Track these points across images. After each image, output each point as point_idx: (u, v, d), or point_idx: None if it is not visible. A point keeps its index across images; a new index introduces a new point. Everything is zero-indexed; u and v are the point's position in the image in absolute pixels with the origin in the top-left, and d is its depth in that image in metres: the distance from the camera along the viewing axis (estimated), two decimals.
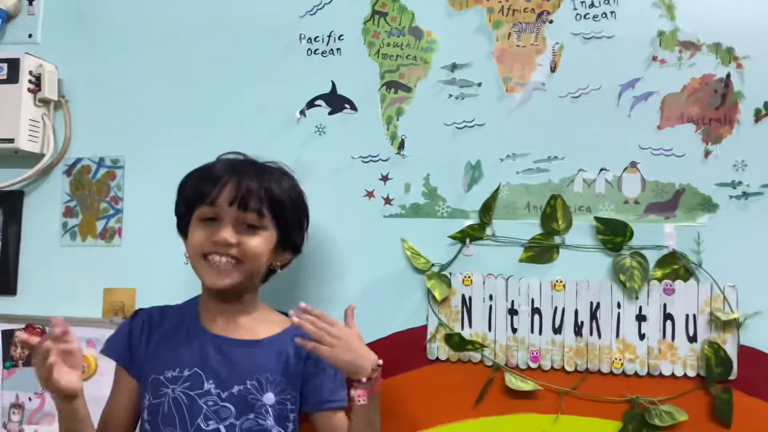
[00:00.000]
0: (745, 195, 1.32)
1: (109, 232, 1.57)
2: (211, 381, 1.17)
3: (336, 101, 1.50)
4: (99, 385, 1.48)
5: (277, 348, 1.22)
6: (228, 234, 1.17)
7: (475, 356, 1.37)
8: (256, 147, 1.49)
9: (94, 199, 1.59)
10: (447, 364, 1.39)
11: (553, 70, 1.41)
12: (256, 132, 1.51)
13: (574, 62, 1.40)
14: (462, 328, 1.38)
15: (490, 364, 1.37)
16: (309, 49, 1.52)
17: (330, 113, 1.50)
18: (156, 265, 1.52)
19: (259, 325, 1.25)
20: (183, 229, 1.27)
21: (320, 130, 1.49)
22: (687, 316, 1.30)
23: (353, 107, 1.49)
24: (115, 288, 1.55)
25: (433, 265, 1.41)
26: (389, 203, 1.45)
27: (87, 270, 1.57)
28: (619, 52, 1.39)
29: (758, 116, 1.33)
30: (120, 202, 1.58)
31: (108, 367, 1.52)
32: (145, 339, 1.24)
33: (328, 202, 1.45)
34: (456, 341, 1.37)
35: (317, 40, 1.52)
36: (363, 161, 1.47)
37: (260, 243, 1.20)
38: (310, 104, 1.50)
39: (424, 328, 1.40)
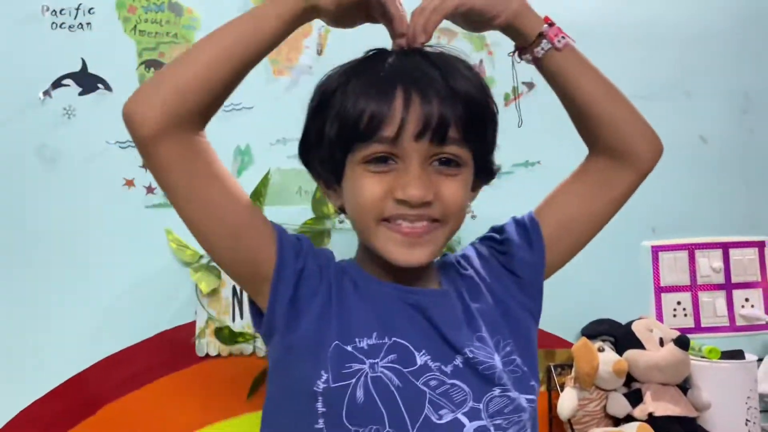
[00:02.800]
0: (498, 174, 1.41)
1: None
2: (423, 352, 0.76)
3: (87, 80, 1.35)
4: None
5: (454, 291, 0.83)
6: (421, 186, 0.73)
7: (248, 348, 1.32)
8: None
9: None
10: (218, 360, 1.32)
11: (319, 53, 1.40)
12: None
13: (340, 46, 1.39)
14: (233, 321, 1.32)
15: (263, 354, 1.33)
16: (54, 22, 1.35)
17: (81, 94, 1.35)
18: None
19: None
20: (325, 160, 0.81)
21: (69, 112, 1.34)
22: None
23: (107, 87, 1.35)
24: None
25: (201, 256, 1.33)
26: (152, 192, 1.35)
27: None
28: (385, 37, 1.35)
29: (507, 100, 1.42)
30: None
31: None
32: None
33: (81, 193, 1.33)
34: (226, 335, 1.30)
35: (63, 12, 1.36)
36: (121, 146, 1.35)
37: (464, 189, 0.78)
38: (57, 83, 1.34)
39: (193, 324, 1.32)
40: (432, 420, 0.71)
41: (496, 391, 0.75)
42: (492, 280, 0.86)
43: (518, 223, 0.90)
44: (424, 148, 0.74)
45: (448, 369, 0.75)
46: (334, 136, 0.76)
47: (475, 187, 0.86)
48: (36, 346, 1.30)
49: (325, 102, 0.78)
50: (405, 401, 0.71)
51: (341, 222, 0.90)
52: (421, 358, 0.74)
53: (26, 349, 1.30)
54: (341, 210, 0.85)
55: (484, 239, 0.92)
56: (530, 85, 1.42)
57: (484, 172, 0.86)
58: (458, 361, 0.76)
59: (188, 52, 0.74)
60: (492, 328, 0.81)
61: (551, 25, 0.82)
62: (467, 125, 0.75)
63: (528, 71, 1.42)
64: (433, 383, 0.73)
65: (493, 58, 1.42)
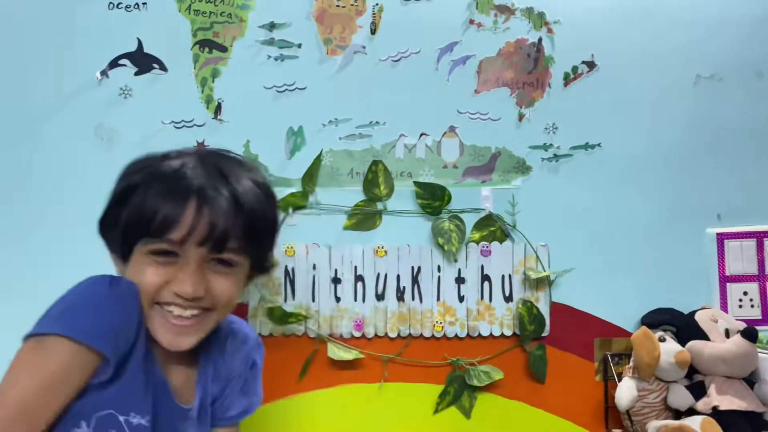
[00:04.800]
0: (556, 157, 1.36)
1: None
2: None
3: (143, 60, 1.36)
4: None
5: (200, 396, 0.97)
6: (195, 286, 0.86)
7: (299, 329, 1.32)
8: (49, 110, 1.35)
9: None
10: (270, 340, 1.32)
11: (373, 32, 1.37)
12: (49, 94, 1.34)
13: (393, 25, 1.37)
14: (285, 301, 1.32)
15: (314, 335, 1.32)
16: (111, 2, 1.36)
17: (136, 74, 1.36)
18: None
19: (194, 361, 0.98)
20: (118, 241, 0.90)
21: (126, 92, 1.35)
22: (503, 276, 1.33)
23: (163, 67, 1.36)
24: None
25: None
26: None
27: None
28: (438, 15, 1.38)
29: (567, 80, 1.37)
30: None
31: None
32: (130, 346, 0.86)
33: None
34: (278, 315, 1.30)
35: None
36: (176, 127, 1.35)
37: (235, 285, 0.91)
38: (113, 64, 1.35)
39: (246, 304, 1.32)
40: None
41: None
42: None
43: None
44: (204, 252, 0.86)
45: None
46: (129, 227, 0.87)
47: (251, 278, 0.97)
48: None
49: (127, 195, 0.88)
50: None
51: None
52: None
53: None
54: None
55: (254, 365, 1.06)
56: (591, 65, 1.37)
57: (260, 268, 0.97)
58: None
59: None
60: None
61: None
62: (246, 237, 0.88)
63: (588, 49, 1.40)
64: None
65: (553, 36, 1.36)
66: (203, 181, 0.86)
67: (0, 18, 1.35)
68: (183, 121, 1.36)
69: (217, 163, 0.90)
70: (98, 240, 1.30)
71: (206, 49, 1.36)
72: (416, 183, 1.34)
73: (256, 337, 1.07)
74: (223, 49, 1.37)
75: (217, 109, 1.36)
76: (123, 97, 1.35)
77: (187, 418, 0.94)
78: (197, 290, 0.86)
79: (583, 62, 1.37)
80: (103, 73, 1.35)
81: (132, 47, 1.36)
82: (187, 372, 0.96)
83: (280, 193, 1.34)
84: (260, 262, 0.95)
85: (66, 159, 1.34)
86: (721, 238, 1.38)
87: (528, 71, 1.37)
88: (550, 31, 1.37)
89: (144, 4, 1.37)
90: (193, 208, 0.84)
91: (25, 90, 1.35)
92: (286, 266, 1.33)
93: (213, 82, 1.36)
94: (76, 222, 1.33)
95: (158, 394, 0.89)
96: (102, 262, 1.32)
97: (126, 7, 1.37)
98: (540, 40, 1.37)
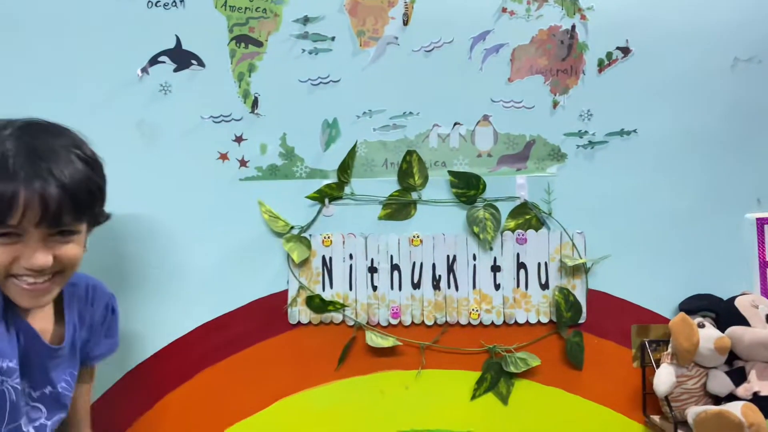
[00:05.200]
0: (591, 144, 1.36)
1: None
2: (25, 379, 1.03)
3: (182, 57, 1.39)
4: None
5: (70, 338, 1.11)
6: (43, 258, 0.95)
7: (337, 317, 1.35)
8: (92, 107, 1.39)
9: None
10: (309, 328, 1.36)
11: (405, 23, 1.38)
12: (92, 91, 1.38)
13: (425, 15, 1.38)
14: (323, 290, 1.35)
15: (352, 323, 1.35)
16: (149, 1, 1.40)
17: (175, 70, 1.39)
18: None
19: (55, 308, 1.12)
20: None
21: (165, 88, 1.39)
22: (539, 264, 1.34)
23: (201, 63, 1.39)
24: None
25: (292, 227, 1.37)
26: (245, 165, 1.38)
27: None
28: (470, 4, 1.38)
29: (601, 66, 1.37)
30: None
31: None
32: None
33: (177, 166, 1.38)
34: (317, 303, 1.33)
35: None
36: (214, 121, 1.39)
37: (78, 247, 1.02)
38: (153, 61, 1.39)
39: (285, 292, 1.36)
40: (22, 428, 1.02)
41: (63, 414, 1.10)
42: None
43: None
44: (44, 229, 0.95)
45: (37, 394, 1.05)
46: None
47: (89, 231, 1.08)
48: (138, 312, 1.37)
49: None
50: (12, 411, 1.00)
51: None
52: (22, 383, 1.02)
53: (129, 316, 1.37)
54: None
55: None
56: (626, 51, 1.36)
57: (97, 224, 1.10)
58: (47, 390, 1.07)
59: None
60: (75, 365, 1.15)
61: None
62: (78, 209, 0.96)
63: (623, 35, 1.39)
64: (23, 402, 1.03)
65: (587, 23, 1.36)
66: (27, 170, 0.92)
67: (41, 18, 1.39)
68: (221, 115, 1.39)
69: (36, 144, 0.95)
70: (144, 230, 1.37)
71: (242, 45, 1.39)
72: (451, 172, 1.35)
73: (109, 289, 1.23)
74: (259, 44, 1.39)
75: (254, 104, 1.39)
76: (163, 93, 1.39)
77: (56, 356, 1.08)
78: (45, 262, 0.96)
79: (618, 48, 1.36)
80: (144, 70, 1.39)
81: (171, 44, 1.39)
82: (54, 318, 1.10)
83: (317, 184, 1.37)
84: (96, 221, 1.08)
85: (110, 154, 1.38)
86: (761, 223, 1.36)
87: (562, 58, 1.36)
88: (583, 17, 1.36)
89: (181, 1, 1.40)
90: (23, 196, 0.91)
91: (68, 88, 1.39)
92: (323, 256, 1.35)
93: (249, 76, 1.39)
94: (122, 214, 1.38)
95: (26, 339, 1.03)
96: (139, 252, 1.38)
97: (164, 5, 1.40)
98: (573, 26, 1.36)
